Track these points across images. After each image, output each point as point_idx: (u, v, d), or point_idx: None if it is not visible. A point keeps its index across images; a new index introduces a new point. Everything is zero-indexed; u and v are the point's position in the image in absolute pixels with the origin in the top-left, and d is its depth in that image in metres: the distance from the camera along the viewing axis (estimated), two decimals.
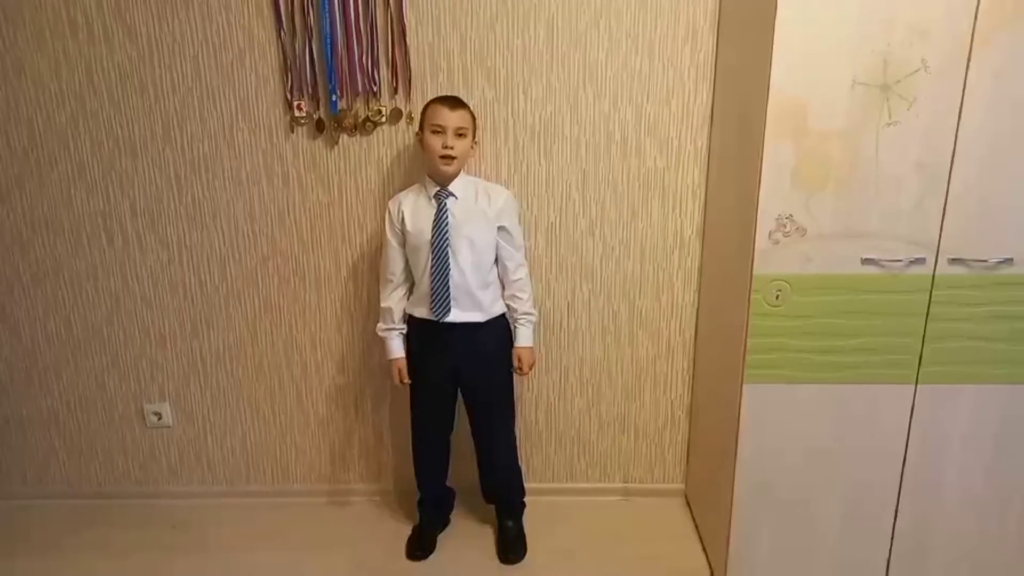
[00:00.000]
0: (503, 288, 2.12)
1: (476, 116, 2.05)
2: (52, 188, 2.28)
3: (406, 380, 2.13)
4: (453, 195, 2.00)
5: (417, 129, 2.04)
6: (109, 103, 2.20)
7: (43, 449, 2.57)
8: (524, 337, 2.14)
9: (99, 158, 2.25)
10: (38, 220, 2.32)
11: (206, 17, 2.12)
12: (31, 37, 2.15)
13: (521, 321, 2.13)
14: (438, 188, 2.00)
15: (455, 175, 2.00)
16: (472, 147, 2.02)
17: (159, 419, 2.52)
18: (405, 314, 2.12)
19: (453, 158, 1.94)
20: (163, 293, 2.39)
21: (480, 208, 2.02)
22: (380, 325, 2.13)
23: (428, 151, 1.96)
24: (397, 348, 2.12)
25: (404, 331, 2.13)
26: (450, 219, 1.98)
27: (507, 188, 2.14)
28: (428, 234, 1.98)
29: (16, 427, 2.55)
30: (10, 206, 2.30)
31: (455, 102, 1.97)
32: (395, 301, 2.10)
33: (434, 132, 1.94)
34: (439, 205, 1.99)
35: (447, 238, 1.97)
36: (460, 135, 1.95)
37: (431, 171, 2.00)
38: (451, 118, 1.93)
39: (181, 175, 2.27)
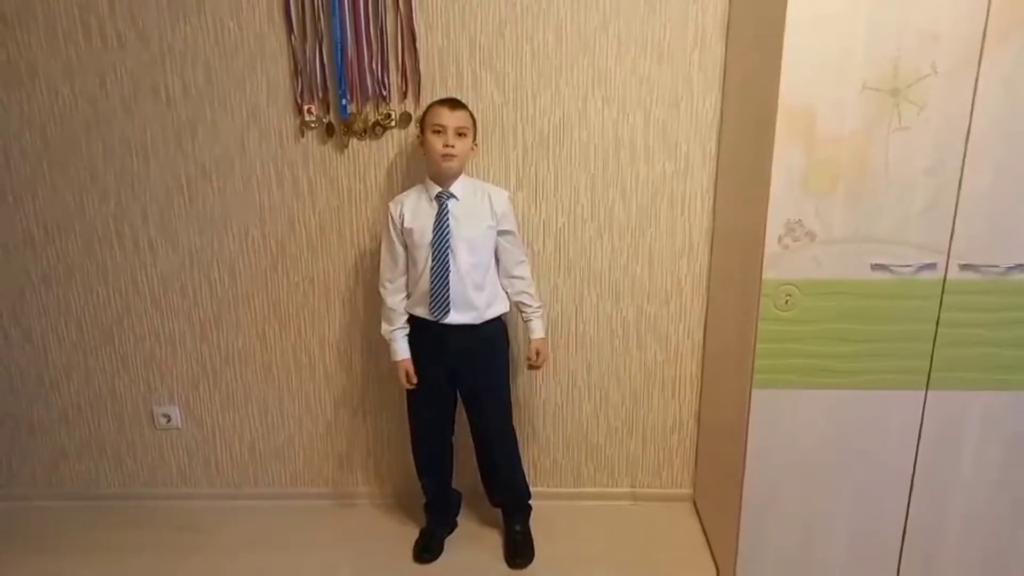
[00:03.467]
0: (507, 287, 2.13)
1: (476, 119, 2.06)
2: (64, 192, 2.30)
3: (413, 380, 2.12)
4: (454, 196, 2.01)
5: (417, 132, 2.05)
6: (121, 107, 2.22)
7: (53, 450, 2.59)
8: (538, 329, 2.16)
9: (111, 162, 2.27)
10: (50, 223, 2.33)
11: (217, 22, 2.14)
12: (44, 42, 2.17)
13: (535, 315, 2.15)
14: (439, 190, 2.01)
15: (456, 175, 2.02)
16: (472, 148, 2.04)
17: (168, 421, 2.53)
18: (407, 314, 2.12)
19: (454, 156, 1.95)
20: (173, 296, 2.40)
21: (480, 210, 2.03)
22: (385, 326, 2.12)
23: (429, 151, 1.97)
24: (403, 349, 2.11)
25: (408, 331, 2.12)
26: (451, 220, 1.99)
27: (505, 189, 2.15)
28: (429, 235, 1.99)
29: (26, 428, 2.56)
30: (23, 209, 2.32)
31: (454, 103, 1.99)
32: (398, 301, 2.10)
33: (435, 132, 1.95)
34: (440, 206, 1.99)
35: (448, 239, 1.98)
36: (460, 135, 1.96)
37: (432, 172, 2.02)
38: (451, 118, 1.95)
39: (192, 179, 2.28)
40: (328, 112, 2.19)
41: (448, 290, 2.00)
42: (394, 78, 2.16)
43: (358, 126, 2.19)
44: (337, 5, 2.06)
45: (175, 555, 2.31)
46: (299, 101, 2.17)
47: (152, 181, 2.29)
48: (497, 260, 2.11)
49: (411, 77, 2.15)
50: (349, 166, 2.25)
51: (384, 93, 2.16)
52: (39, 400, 2.53)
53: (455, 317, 2.02)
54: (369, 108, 2.18)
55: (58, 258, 2.37)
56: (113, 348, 2.46)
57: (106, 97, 2.21)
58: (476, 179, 2.13)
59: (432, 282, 1.99)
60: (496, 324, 2.13)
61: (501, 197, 2.07)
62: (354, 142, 2.22)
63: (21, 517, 2.54)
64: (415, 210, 2.03)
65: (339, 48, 2.10)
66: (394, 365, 2.13)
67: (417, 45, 2.12)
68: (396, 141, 2.22)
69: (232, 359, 2.47)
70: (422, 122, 2.01)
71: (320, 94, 2.17)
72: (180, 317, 2.42)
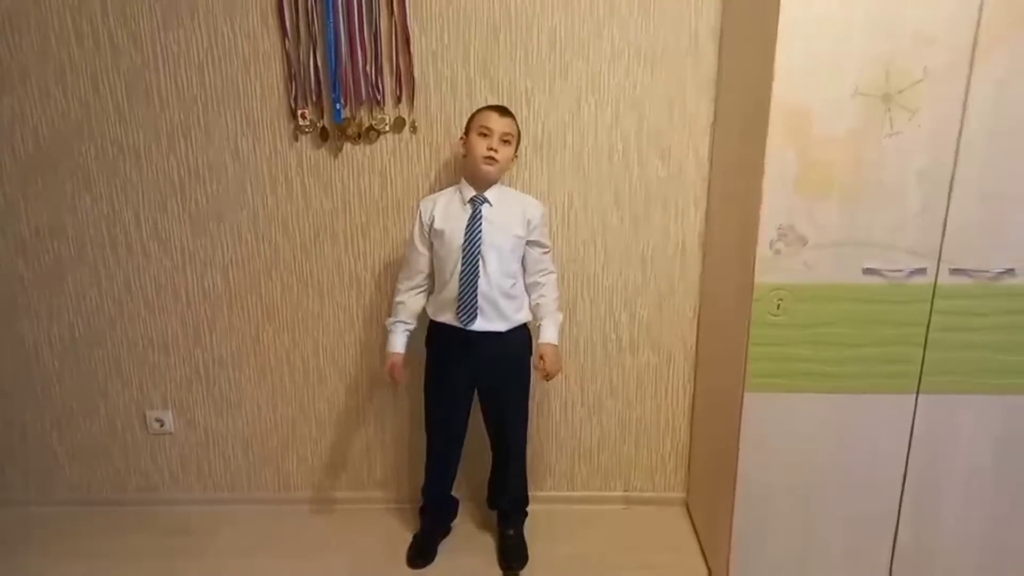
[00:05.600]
0: (530, 291, 2.10)
1: (521, 130, 2.06)
2: (56, 195, 2.29)
3: (397, 378, 2.10)
4: (488, 202, 2.00)
5: (462, 134, 2.04)
6: (114, 111, 2.21)
7: (45, 455, 2.57)
8: (549, 332, 2.06)
9: (103, 165, 2.26)
10: (42, 227, 2.32)
11: (211, 26, 2.13)
12: (37, 44, 2.16)
13: (548, 316, 2.07)
14: (474, 193, 2.00)
15: (494, 180, 2.01)
16: (512, 159, 2.03)
17: (161, 426, 2.52)
18: (415, 314, 2.10)
19: (496, 160, 1.94)
20: (166, 299, 2.39)
21: (512, 218, 2.01)
22: (389, 318, 2.12)
23: (471, 153, 1.97)
24: (399, 343, 2.10)
25: (411, 328, 2.11)
26: (483, 225, 1.98)
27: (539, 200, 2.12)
28: (460, 239, 1.97)
29: (18, 433, 2.55)
30: (15, 213, 2.31)
31: (504, 110, 1.99)
32: (410, 297, 2.09)
33: (481, 135, 1.95)
34: (474, 210, 1.98)
35: (479, 244, 1.97)
36: (505, 141, 1.96)
37: (471, 174, 2.01)
38: (499, 123, 1.95)
39: (185, 182, 2.27)
40: (322, 116, 2.19)
41: (476, 296, 1.98)
42: (388, 82, 2.16)
43: (352, 130, 2.19)
44: (331, 9, 2.06)
45: (169, 561, 2.30)
46: (293, 105, 2.17)
47: (145, 184, 2.28)
48: (524, 269, 2.08)
49: (405, 81, 2.15)
50: (343, 170, 2.25)
51: (378, 98, 2.16)
52: (31, 405, 2.51)
53: (481, 324, 2.01)
54: (363, 113, 2.18)
55: (50, 261, 2.36)
56: (106, 352, 2.45)
57: (98, 100, 2.21)
58: (513, 189, 2.13)
59: (461, 288, 1.98)
60: (522, 332, 2.11)
61: (535, 208, 2.06)
62: (348, 146, 2.22)
63: (13, 523, 2.52)
64: (447, 211, 2.01)
65: (333, 52, 2.10)
66: (387, 358, 2.11)
67: (411, 49, 2.12)
68: (390, 146, 2.22)
69: (226, 362, 2.46)
70: (468, 125, 2.01)
71: (314, 98, 2.17)
72: (173, 320, 2.41)
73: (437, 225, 2.00)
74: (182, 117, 2.21)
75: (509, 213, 2.02)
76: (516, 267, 2.05)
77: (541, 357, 2.07)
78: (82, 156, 2.26)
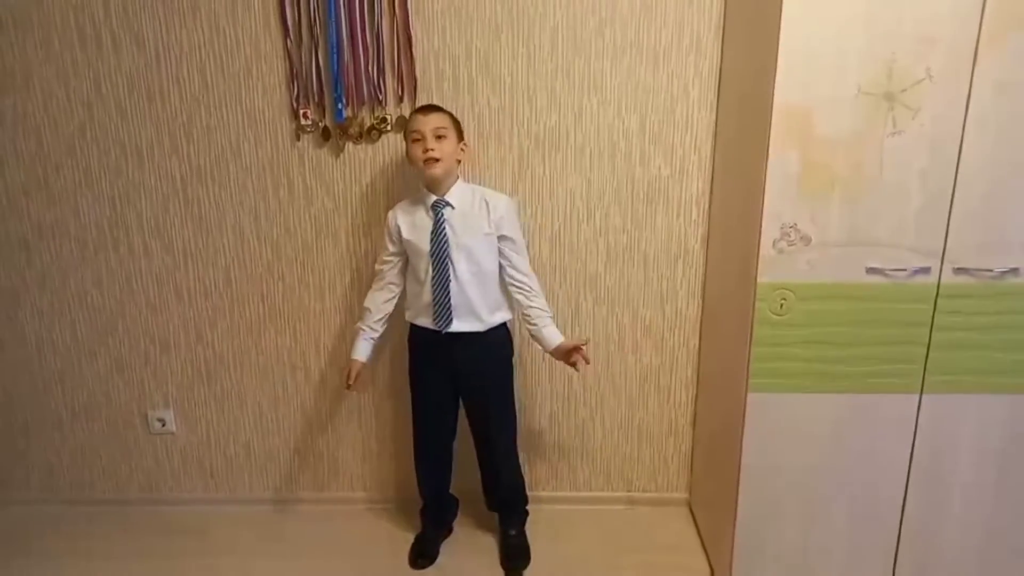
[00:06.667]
0: (517, 296, 2.07)
1: (458, 119, 2.03)
2: (59, 196, 2.30)
3: (352, 385, 2.10)
4: (450, 204, 2.00)
5: (405, 149, 2.03)
6: (116, 112, 2.22)
7: (47, 454, 2.58)
8: (556, 334, 2.06)
9: (106, 166, 2.27)
10: (45, 227, 2.33)
11: (213, 26, 2.14)
12: (40, 46, 2.16)
13: (546, 322, 2.07)
14: (435, 198, 2.00)
15: (445, 179, 1.99)
16: (461, 149, 2.01)
17: (163, 425, 2.52)
18: (380, 320, 2.11)
19: (437, 159, 1.92)
20: (168, 299, 2.39)
21: (478, 217, 2.00)
22: (359, 323, 2.13)
23: (413, 160, 1.97)
24: (361, 350, 2.12)
25: (374, 336, 2.12)
26: (448, 229, 1.98)
27: (506, 194, 2.12)
28: (427, 245, 1.98)
29: (20, 432, 2.55)
30: (17, 213, 2.32)
31: (429, 107, 1.98)
32: (376, 302, 2.10)
33: (414, 141, 1.94)
34: (436, 216, 1.98)
35: (446, 249, 1.97)
36: (440, 136, 1.94)
37: (424, 181, 2.01)
38: (426, 122, 1.93)
39: (187, 182, 2.28)
40: (324, 116, 2.19)
41: (449, 300, 1.99)
42: (390, 82, 2.16)
43: (354, 130, 2.19)
44: (333, 9, 2.07)
45: (170, 560, 2.30)
46: (295, 105, 2.17)
47: (147, 184, 2.28)
48: (502, 268, 2.07)
49: (407, 81, 2.15)
50: (345, 169, 2.25)
51: (380, 97, 2.15)
52: (33, 404, 2.52)
53: (458, 326, 2.01)
54: (365, 112, 2.18)
55: (52, 261, 2.36)
56: (107, 352, 2.45)
57: (101, 100, 2.21)
58: (476, 185, 2.12)
59: (434, 293, 1.99)
60: (500, 331, 2.12)
61: (499, 202, 2.04)
62: (350, 146, 2.22)
63: (14, 522, 2.52)
64: (412, 220, 2.02)
65: (335, 52, 2.10)
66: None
67: (413, 49, 2.12)
68: (392, 145, 2.22)
69: (227, 362, 2.46)
70: (404, 137, 2.01)
71: (316, 98, 2.17)
72: (175, 320, 2.41)
73: (405, 235, 2.01)
74: (184, 117, 2.22)
75: (474, 212, 2.01)
76: (490, 266, 2.03)
77: (569, 350, 2.02)
78: (84, 157, 2.26)
